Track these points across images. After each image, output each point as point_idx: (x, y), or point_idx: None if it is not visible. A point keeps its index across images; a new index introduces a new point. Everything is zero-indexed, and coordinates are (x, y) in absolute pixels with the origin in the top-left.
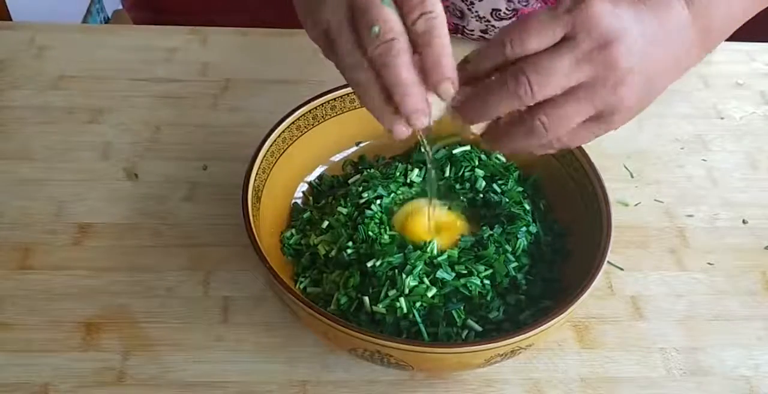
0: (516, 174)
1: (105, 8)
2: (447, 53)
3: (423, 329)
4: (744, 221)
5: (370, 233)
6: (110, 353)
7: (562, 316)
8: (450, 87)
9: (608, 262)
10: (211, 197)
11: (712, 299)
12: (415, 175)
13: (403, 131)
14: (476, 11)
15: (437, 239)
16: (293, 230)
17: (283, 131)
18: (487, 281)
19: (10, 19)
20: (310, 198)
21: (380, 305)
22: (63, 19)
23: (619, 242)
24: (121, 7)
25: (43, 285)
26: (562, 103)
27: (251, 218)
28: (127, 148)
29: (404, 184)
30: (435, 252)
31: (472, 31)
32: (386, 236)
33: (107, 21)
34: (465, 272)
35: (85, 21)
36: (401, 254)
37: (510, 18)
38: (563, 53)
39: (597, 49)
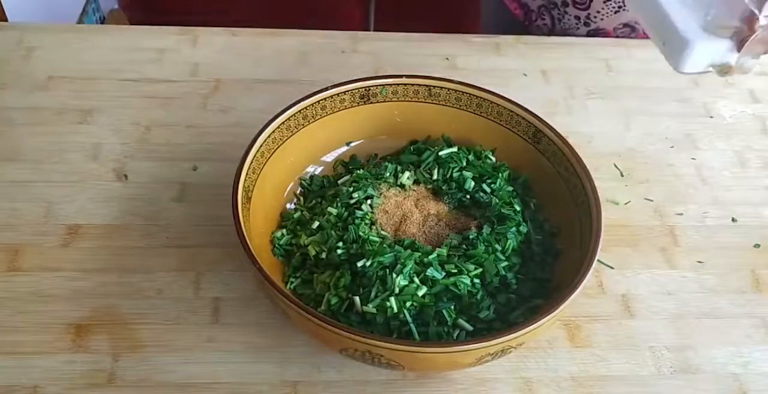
0: (506, 174)
1: (101, 8)
2: None
3: (414, 328)
4: (733, 220)
5: (361, 234)
6: (100, 355)
7: (552, 315)
8: None
9: (598, 260)
10: (201, 198)
11: (701, 298)
12: (406, 177)
13: None
14: None
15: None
16: (284, 231)
17: (274, 131)
18: (477, 281)
19: (6, 20)
20: (301, 198)
21: (371, 305)
22: (59, 19)
23: (610, 240)
24: (116, 6)
25: (32, 287)
26: None
27: (241, 218)
28: (116, 148)
29: (394, 185)
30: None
31: None
32: (376, 236)
33: (103, 21)
34: (455, 271)
35: (80, 21)
36: (392, 254)
37: None
38: None
39: None
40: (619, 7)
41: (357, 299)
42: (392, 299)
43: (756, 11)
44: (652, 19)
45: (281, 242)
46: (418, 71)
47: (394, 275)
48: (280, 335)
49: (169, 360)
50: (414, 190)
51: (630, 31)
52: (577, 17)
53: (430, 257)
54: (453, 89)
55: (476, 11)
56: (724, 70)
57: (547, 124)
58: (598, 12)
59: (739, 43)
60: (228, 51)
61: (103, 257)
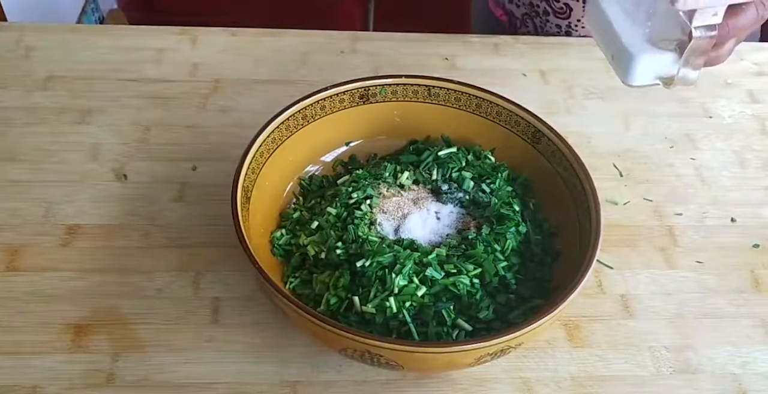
0: (505, 174)
1: (100, 8)
2: None
3: (413, 328)
4: (732, 220)
5: (360, 234)
6: (99, 355)
7: (551, 315)
8: None
9: (598, 261)
10: (200, 198)
11: (701, 298)
12: (405, 177)
13: None
14: None
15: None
16: (283, 231)
17: (273, 131)
18: (476, 281)
19: (5, 19)
20: (300, 198)
21: (370, 305)
22: (58, 19)
23: (609, 240)
24: (115, 6)
25: (31, 287)
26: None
27: (241, 218)
28: (116, 148)
29: (394, 185)
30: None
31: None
32: (375, 236)
33: (102, 21)
34: (454, 271)
35: (79, 21)
36: (391, 254)
37: None
38: None
39: None
40: None
41: (356, 299)
42: (391, 299)
43: (687, 22)
44: (603, 35)
45: (280, 242)
46: (418, 71)
47: (394, 275)
48: (279, 335)
49: (168, 360)
50: (413, 190)
51: None
52: (558, 26)
53: (430, 257)
54: (452, 89)
55: (467, 13)
56: (668, 81)
57: (547, 124)
58: (579, 20)
59: (680, 54)
60: (227, 51)
61: (103, 256)
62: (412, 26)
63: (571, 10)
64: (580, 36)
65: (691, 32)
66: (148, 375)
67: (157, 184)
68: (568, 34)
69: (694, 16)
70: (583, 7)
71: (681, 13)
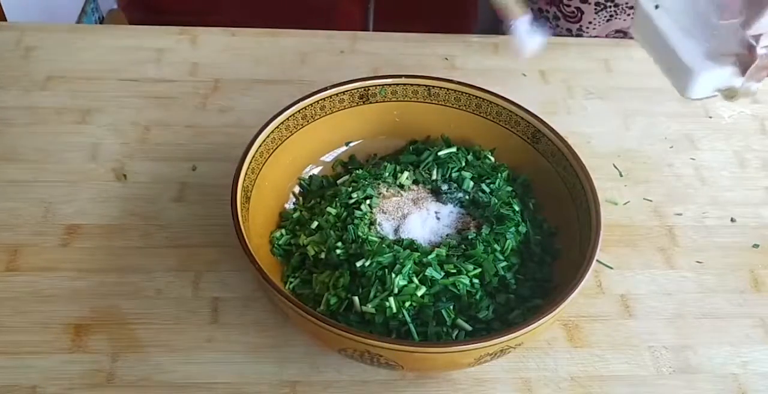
0: (505, 174)
1: (100, 8)
2: None
3: (413, 328)
4: (732, 220)
5: (360, 234)
6: (99, 355)
7: (551, 315)
8: None
9: (598, 261)
10: (200, 198)
11: (701, 298)
12: (405, 177)
13: None
14: None
15: None
16: (283, 231)
17: (273, 131)
18: (476, 281)
19: (5, 19)
20: (300, 198)
21: (370, 305)
22: (58, 19)
23: (609, 240)
24: (115, 6)
25: (31, 287)
26: None
27: (240, 218)
28: (115, 148)
29: (393, 185)
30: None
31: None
32: (375, 236)
33: (102, 21)
34: (454, 271)
35: (79, 21)
36: (391, 254)
37: None
38: None
39: None
40: (611, 15)
41: (356, 299)
42: (391, 299)
43: (753, 43)
44: (656, 48)
45: (280, 242)
46: (417, 71)
47: (393, 275)
48: (279, 335)
49: (168, 360)
50: (413, 190)
51: (622, 36)
52: (569, 30)
53: (429, 257)
54: (452, 89)
55: (474, 13)
56: (730, 94)
57: (547, 124)
58: (590, 22)
59: (743, 69)
60: (227, 51)
61: (102, 257)
62: (412, 26)
63: (582, 13)
64: (590, 37)
65: (756, 51)
66: (148, 375)
67: (157, 184)
68: (578, 36)
69: (760, 38)
70: (595, 9)
71: (749, 36)
